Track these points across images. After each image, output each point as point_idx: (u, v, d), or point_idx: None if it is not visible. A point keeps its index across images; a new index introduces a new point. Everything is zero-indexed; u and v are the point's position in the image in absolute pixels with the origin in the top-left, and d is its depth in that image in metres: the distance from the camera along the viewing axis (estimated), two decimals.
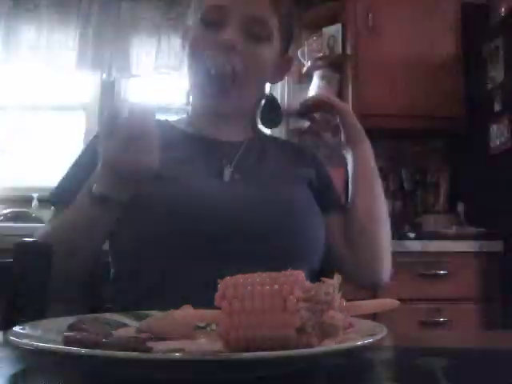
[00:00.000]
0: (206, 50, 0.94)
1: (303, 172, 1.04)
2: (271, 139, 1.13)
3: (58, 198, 0.98)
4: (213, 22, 0.95)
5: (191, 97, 1.05)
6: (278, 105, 1.08)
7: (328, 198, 1.06)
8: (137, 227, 0.88)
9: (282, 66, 1.06)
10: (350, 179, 1.06)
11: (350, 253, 1.02)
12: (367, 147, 1.07)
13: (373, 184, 1.06)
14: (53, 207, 1.00)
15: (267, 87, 1.08)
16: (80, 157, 1.01)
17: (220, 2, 0.95)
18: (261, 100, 1.06)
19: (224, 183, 0.95)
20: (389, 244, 1.04)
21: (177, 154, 0.96)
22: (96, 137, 1.00)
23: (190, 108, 1.08)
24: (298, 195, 0.98)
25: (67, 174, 1.00)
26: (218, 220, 0.87)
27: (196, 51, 0.97)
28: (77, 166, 1.00)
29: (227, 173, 0.97)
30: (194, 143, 1.00)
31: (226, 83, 0.93)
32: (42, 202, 2.85)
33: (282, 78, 1.10)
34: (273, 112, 1.07)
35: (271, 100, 1.07)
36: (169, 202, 0.87)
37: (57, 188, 0.99)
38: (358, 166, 1.06)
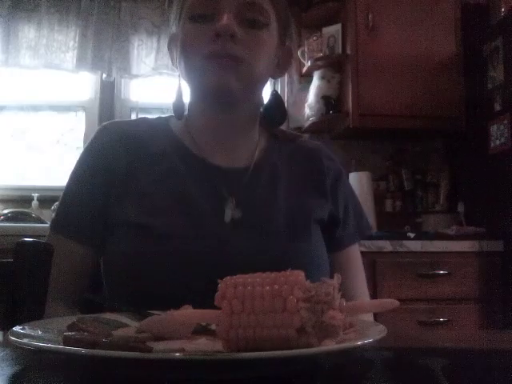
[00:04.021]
0: (201, 43, 0.86)
1: (319, 205, 0.95)
2: (285, 145, 1.02)
3: (60, 226, 0.92)
4: (203, 15, 0.87)
5: (189, 102, 0.97)
6: (282, 103, 1.00)
7: (340, 233, 0.98)
8: (125, 267, 0.84)
9: (282, 58, 0.97)
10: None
11: None
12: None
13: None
14: (54, 235, 0.93)
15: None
16: (76, 176, 0.94)
17: None
18: (263, 99, 0.99)
19: (224, 227, 0.88)
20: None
21: (176, 179, 0.90)
22: (87, 149, 0.95)
23: (186, 114, 0.99)
24: (308, 249, 0.90)
25: (65, 198, 0.93)
26: (211, 275, 0.74)
27: (190, 47, 0.88)
28: (74, 187, 0.93)
29: (228, 212, 0.89)
30: (195, 167, 0.92)
31: (227, 67, 0.85)
32: (42, 202, 2.86)
33: (283, 73, 1.01)
34: (276, 111, 0.99)
35: (275, 98, 0.99)
36: (160, 250, 0.83)
37: (57, 215, 0.93)
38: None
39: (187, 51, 0.88)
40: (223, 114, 0.93)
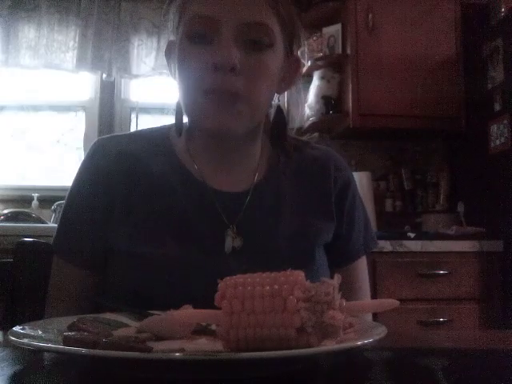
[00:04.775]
0: (198, 71, 0.80)
1: (325, 229, 0.92)
2: (290, 156, 0.96)
3: (60, 250, 0.91)
4: (202, 35, 0.80)
5: (188, 121, 0.91)
6: (284, 119, 0.92)
7: (343, 248, 0.96)
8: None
9: (289, 71, 0.90)
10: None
11: None
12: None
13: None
14: (55, 255, 0.92)
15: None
16: (74, 199, 0.91)
17: (206, 12, 0.80)
18: (267, 114, 0.93)
19: (224, 257, 0.85)
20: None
21: (176, 205, 0.87)
22: (84, 169, 0.91)
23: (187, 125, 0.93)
24: (310, 274, 0.84)
25: (65, 222, 0.91)
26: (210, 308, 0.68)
27: (188, 74, 0.82)
28: (73, 211, 0.91)
29: (229, 241, 0.85)
30: (195, 192, 0.89)
31: (226, 105, 0.79)
32: (42, 202, 2.86)
33: (289, 86, 0.92)
34: (278, 127, 0.93)
35: (278, 113, 0.92)
36: (159, 281, 0.81)
37: (57, 238, 0.91)
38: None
39: (185, 79, 0.83)
40: (222, 142, 0.89)
